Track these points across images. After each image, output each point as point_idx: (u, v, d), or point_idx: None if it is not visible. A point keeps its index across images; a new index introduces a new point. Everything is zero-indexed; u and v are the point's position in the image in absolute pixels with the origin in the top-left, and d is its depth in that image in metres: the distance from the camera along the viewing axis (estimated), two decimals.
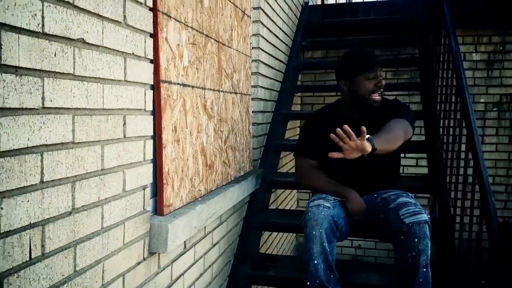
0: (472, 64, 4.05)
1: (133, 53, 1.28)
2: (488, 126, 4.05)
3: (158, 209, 1.52)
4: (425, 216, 1.86)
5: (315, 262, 1.93)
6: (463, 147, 2.31)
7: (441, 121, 2.77)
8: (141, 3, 1.33)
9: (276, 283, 2.35)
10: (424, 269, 1.84)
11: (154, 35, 1.48)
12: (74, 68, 1.03)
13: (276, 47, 3.23)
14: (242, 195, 2.28)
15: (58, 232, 1.00)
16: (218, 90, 2.07)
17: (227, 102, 2.21)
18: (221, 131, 2.10)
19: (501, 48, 3.99)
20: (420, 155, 3.99)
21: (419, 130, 4.04)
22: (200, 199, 1.81)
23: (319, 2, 5.35)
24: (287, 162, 3.82)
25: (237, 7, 2.36)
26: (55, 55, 0.97)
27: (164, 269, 1.54)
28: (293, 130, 4.02)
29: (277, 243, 3.56)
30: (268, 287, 2.54)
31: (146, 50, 1.36)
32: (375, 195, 2.15)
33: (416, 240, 1.82)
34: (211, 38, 1.98)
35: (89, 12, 1.08)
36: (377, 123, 2.05)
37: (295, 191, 4.28)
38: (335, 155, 1.77)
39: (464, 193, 2.16)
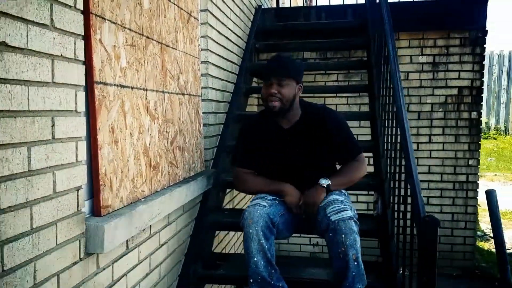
0: (419, 66, 4.21)
1: (61, 55, 1.29)
2: (435, 126, 4.20)
3: (95, 210, 1.53)
4: (349, 213, 1.96)
5: (255, 259, 1.99)
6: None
7: (382, 121, 2.87)
8: (70, 6, 1.34)
9: (227, 281, 2.39)
10: (355, 263, 1.92)
11: (87, 37, 1.49)
12: None
13: (228, 49, 3.27)
14: (191, 195, 2.31)
15: None
16: (163, 91, 2.09)
17: (174, 103, 2.23)
18: (166, 132, 2.12)
19: (445, 51, 4.16)
20: (367, 154, 4.10)
21: (367, 130, 4.19)
22: (143, 199, 1.82)
23: (274, 5, 5.43)
24: None
25: (182, 9, 2.39)
26: None
27: (104, 269, 1.55)
28: None
29: (235, 242, 3.60)
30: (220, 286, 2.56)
31: (77, 52, 1.37)
32: None
33: (343, 236, 1.91)
34: (152, 39, 1.99)
35: (12, 16, 1.09)
36: (301, 133, 2.24)
37: None
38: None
39: (399, 190, 2.23)
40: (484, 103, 13.64)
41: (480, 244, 5.43)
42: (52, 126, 1.25)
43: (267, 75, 2.20)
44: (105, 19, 1.60)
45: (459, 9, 4.14)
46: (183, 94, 2.36)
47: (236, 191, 3.60)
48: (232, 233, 3.49)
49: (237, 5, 3.50)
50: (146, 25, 1.94)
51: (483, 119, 13.86)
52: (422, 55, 4.22)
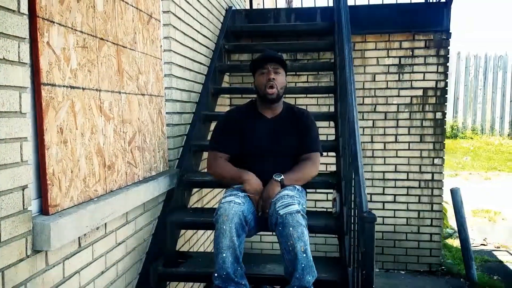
0: (385, 68, 4.31)
1: (4, 58, 1.33)
2: (401, 126, 4.31)
3: (43, 209, 1.57)
4: (296, 207, 2.03)
5: (224, 255, 2.05)
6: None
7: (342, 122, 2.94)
8: (13, 11, 1.37)
9: (187, 279, 2.44)
10: (304, 255, 1.99)
11: (34, 40, 1.52)
12: None
13: (195, 50, 3.31)
14: (151, 194, 2.34)
15: None
16: (119, 92, 2.13)
17: (132, 104, 2.26)
18: (123, 132, 2.16)
19: (410, 53, 4.26)
20: (330, 155, 4.18)
21: (332, 130, 4.26)
22: (95, 199, 1.86)
23: (247, 6, 5.48)
24: None
25: (142, 10, 2.42)
26: None
27: (54, 266, 1.58)
28: None
29: (204, 241, 3.64)
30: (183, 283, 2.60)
31: (21, 55, 1.40)
32: None
33: (291, 229, 1.98)
34: (107, 41, 2.03)
35: None
36: (283, 126, 2.41)
37: (219, 190, 4.37)
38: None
39: (351, 187, 2.31)
40: (461, 103, 14.00)
41: (450, 241, 5.57)
42: None
43: (263, 62, 2.36)
44: (53, 22, 1.63)
45: (424, 12, 4.26)
46: (143, 95, 2.40)
47: (205, 191, 3.65)
48: (201, 232, 3.54)
49: (204, 6, 3.54)
50: (100, 27, 1.98)
51: (460, 119, 14.14)
52: (389, 57, 4.32)
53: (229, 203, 2.11)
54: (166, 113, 2.78)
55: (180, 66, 2.98)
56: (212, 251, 3.39)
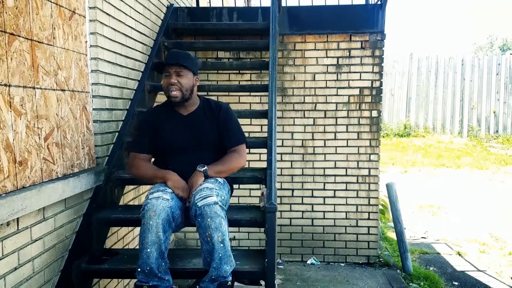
0: (324, 68, 4.42)
1: None
2: (339, 124, 4.44)
3: None
4: (214, 198, 2.08)
5: (148, 250, 2.07)
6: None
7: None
8: None
9: (112, 275, 2.43)
10: (221, 244, 2.04)
11: None
12: None
13: (128, 47, 3.30)
14: (71, 191, 2.33)
15: None
16: (33, 87, 2.10)
17: (49, 99, 2.24)
18: (38, 127, 2.14)
19: (348, 53, 4.39)
20: (262, 151, 4.26)
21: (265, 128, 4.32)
22: (4, 195, 1.83)
23: (194, 4, 5.49)
24: None
25: (62, 6, 2.40)
26: None
27: None
28: None
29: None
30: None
31: None
32: None
33: (209, 220, 2.02)
34: (19, 36, 2.00)
35: None
36: (199, 122, 2.45)
37: None
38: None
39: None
40: (413, 103, 14.48)
41: (390, 234, 5.76)
42: None
43: (165, 66, 2.40)
44: None
45: (360, 14, 4.39)
46: (63, 90, 2.38)
47: (143, 189, 3.64)
48: (137, 230, 3.51)
49: (140, 3, 3.52)
50: (10, 22, 1.95)
51: (412, 118, 14.62)
52: (327, 57, 4.43)
53: (157, 198, 2.13)
54: (93, 109, 2.76)
55: (109, 62, 2.96)
56: (177, 244, 3.38)
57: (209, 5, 5.50)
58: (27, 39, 2.07)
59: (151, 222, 2.07)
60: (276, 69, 2.66)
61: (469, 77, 14.18)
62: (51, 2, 2.29)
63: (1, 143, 1.85)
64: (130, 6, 3.32)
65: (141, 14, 3.57)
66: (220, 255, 2.08)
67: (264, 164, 4.08)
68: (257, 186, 4.14)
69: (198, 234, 2.15)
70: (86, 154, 2.62)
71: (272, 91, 2.45)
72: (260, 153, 4.29)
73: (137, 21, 3.48)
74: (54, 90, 2.29)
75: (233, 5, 4.88)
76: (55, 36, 2.32)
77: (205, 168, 2.30)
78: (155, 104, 3.78)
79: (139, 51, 3.52)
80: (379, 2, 4.40)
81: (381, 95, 4.43)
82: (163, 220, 2.09)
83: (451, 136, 14.42)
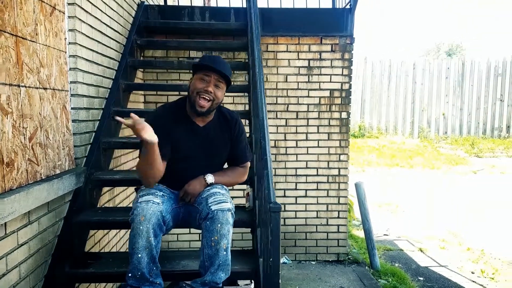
0: (296, 69, 4.49)
1: None
2: (311, 125, 4.52)
3: None
4: (229, 205, 2.08)
5: (139, 255, 2.01)
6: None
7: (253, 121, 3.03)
8: None
9: (97, 279, 2.37)
10: (225, 252, 2.04)
11: None
12: None
13: (104, 44, 3.21)
14: (55, 193, 2.24)
15: None
16: (18, 85, 2.01)
17: (32, 98, 2.15)
18: (23, 127, 2.05)
19: (318, 56, 4.49)
20: None
21: (247, 128, 4.36)
22: None
23: (162, 2, 5.41)
24: (128, 161, 3.82)
25: (44, 1, 2.31)
26: None
27: None
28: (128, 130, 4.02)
29: (117, 242, 3.54)
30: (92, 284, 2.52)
31: None
32: None
33: (219, 225, 2.02)
34: (4, 32, 1.91)
35: None
36: (215, 136, 2.30)
37: (132, 190, 4.29)
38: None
39: (261, 181, 2.40)
40: (367, 105, 14.93)
41: (356, 232, 5.93)
42: None
43: (210, 69, 2.15)
44: None
45: (330, 17, 4.50)
46: (45, 89, 2.29)
47: (117, 191, 3.55)
48: (113, 232, 3.43)
49: (114, 0, 3.44)
50: None
51: (366, 119, 15.08)
52: (299, 59, 4.51)
53: (147, 202, 2.04)
54: (72, 108, 2.67)
55: (86, 59, 2.87)
56: (124, 251, 3.33)
57: (177, 4, 5.44)
58: (12, 35, 1.98)
59: (141, 227, 2.00)
60: (262, 69, 2.67)
61: (420, 80, 14.79)
62: None
63: None
64: (105, 3, 3.23)
65: (115, 11, 3.49)
66: (220, 262, 2.07)
67: None
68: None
69: (202, 236, 2.12)
70: (66, 154, 2.53)
71: (261, 91, 2.47)
72: None
73: (112, 18, 3.40)
74: (37, 88, 2.20)
75: (203, 5, 4.84)
76: (38, 33, 2.23)
77: (213, 180, 2.25)
78: (129, 104, 3.70)
79: (113, 49, 3.44)
80: (348, 7, 4.52)
81: (350, 97, 4.56)
82: (153, 225, 2.01)
83: (403, 137, 14.99)
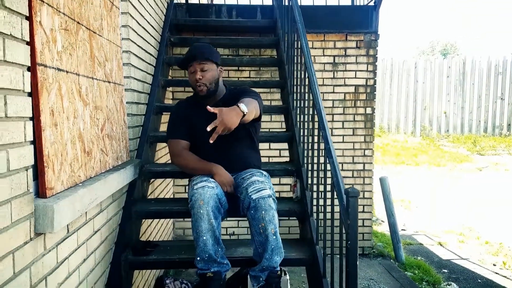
0: (321, 66, 4.58)
1: (11, 34, 1.28)
2: (335, 121, 4.61)
3: (40, 191, 1.52)
4: (268, 191, 2.17)
5: (204, 238, 2.11)
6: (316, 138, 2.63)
7: (297, 115, 3.12)
8: None
9: (158, 266, 2.45)
10: (274, 237, 2.13)
11: (30, 18, 1.47)
12: None
13: (146, 41, 3.29)
14: (122, 183, 2.32)
15: None
16: (92, 78, 2.09)
17: (102, 90, 2.23)
18: (97, 118, 2.12)
19: (343, 52, 4.58)
20: (282, 146, 4.40)
21: (280, 124, 4.45)
22: (80, 184, 1.82)
23: (183, 0, 5.49)
24: (163, 155, 3.90)
25: None
26: None
27: (50, 250, 1.54)
28: (167, 124, 4.11)
29: (156, 234, 3.62)
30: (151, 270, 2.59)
31: (23, 32, 1.36)
32: (238, 175, 2.42)
33: (263, 212, 2.11)
34: (82, 25, 1.99)
35: None
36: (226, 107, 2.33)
37: (171, 184, 4.37)
38: (209, 128, 2.06)
39: (318, 172, 2.48)
40: None
41: (374, 227, 6.03)
42: (5, 105, 1.24)
43: (188, 61, 2.41)
44: (43, 1, 1.58)
45: (355, 14, 4.59)
46: (109, 82, 2.36)
47: (157, 183, 3.63)
48: (153, 224, 3.51)
49: None
50: (77, 10, 1.93)
51: None
52: (324, 55, 4.60)
53: (203, 187, 2.16)
54: (126, 102, 2.75)
55: (136, 56, 2.95)
56: (176, 239, 3.40)
57: (198, 2, 5.52)
58: (87, 28, 2.06)
59: (201, 211, 2.11)
60: (312, 63, 2.76)
61: (421, 79, 14.93)
62: None
63: (76, 132, 1.84)
64: (147, 0, 3.31)
65: (153, 8, 3.57)
66: (273, 246, 2.16)
67: (284, 159, 4.19)
68: (275, 180, 4.24)
69: (250, 226, 2.21)
70: (124, 147, 2.61)
71: (315, 83, 2.57)
72: (280, 149, 4.38)
73: (151, 15, 3.47)
74: (104, 81, 2.27)
75: (235, 3, 4.91)
76: (103, 27, 2.31)
77: (246, 110, 2.13)
78: (165, 100, 3.78)
79: (152, 46, 3.51)
80: (372, 4, 4.62)
81: (374, 92, 4.66)
82: (212, 207, 2.12)
83: (405, 135, 15.12)
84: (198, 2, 5.48)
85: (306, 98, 2.88)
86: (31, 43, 1.48)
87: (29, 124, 1.39)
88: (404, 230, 6.08)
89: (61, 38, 1.73)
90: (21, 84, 1.34)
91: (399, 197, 7.82)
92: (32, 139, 1.41)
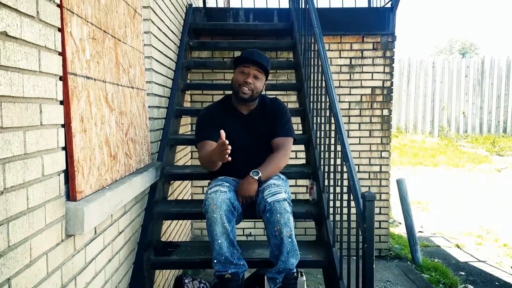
0: (337, 68, 4.60)
1: (45, 46, 1.36)
2: (352, 122, 4.64)
3: (70, 195, 1.60)
4: (283, 195, 2.22)
5: (219, 241, 2.17)
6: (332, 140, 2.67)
7: (314, 118, 3.16)
8: (50, 0, 1.41)
9: (180, 266, 2.52)
10: (289, 239, 2.18)
11: (61, 30, 1.55)
12: None
13: (166, 46, 3.37)
14: (144, 185, 2.39)
15: None
16: (117, 84, 2.17)
17: (126, 96, 2.30)
18: (122, 123, 2.20)
19: (360, 54, 4.60)
20: (298, 148, 4.43)
21: (296, 126, 4.48)
22: (107, 187, 1.90)
23: (200, 4, 5.56)
24: (181, 157, 3.97)
25: (129, 5, 2.46)
26: None
27: (79, 251, 1.62)
28: (185, 127, 4.19)
29: (175, 234, 3.70)
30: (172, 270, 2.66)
31: (56, 43, 1.44)
32: None
33: (278, 215, 2.16)
34: (108, 33, 2.07)
35: (9, 7, 1.16)
36: (258, 121, 2.51)
37: (189, 185, 4.44)
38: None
39: (335, 174, 2.52)
40: None
41: (391, 229, 6.03)
42: (40, 113, 1.32)
43: (248, 61, 2.40)
44: (73, 13, 1.66)
45: (372, 16, 4.61)
46: (132, 88, 2.44)
47: (176, 185, 3.71)
48: (172, 225, 3.59)
49: (171, 2, 3.60)
50: (103, 20, 2.01)
51: None
52: (340, 57, 4.62)
53: (215, 192, 2.22)
54: (148, 106, 2.82)
55: (157, 61, 3.03)
56: (194, 239, 3.48)
57: (215, 6, 5.59)
58: (112, 36, 2.13)
59: (215, 215, 2.17)
60: (328, 66, 2.81)
61: (439, 79, 14.79)
62: (123, 0, 2.35)
63: (103, 137, 1.92)
64: (166, 6, 3.39)
65: (172, 13, 3.64)
66: (288, 249, 2.21)
67: (300, 161, 4.24)
68: (292, 182, 4.28)
69: (266, 228, 2.27)
70: (146, 150, 2.69)
71: (332, 87, 2.61)
72: (296, 151, 4.42)
73: (171, 20, 3.55)
74: (128, 87, 2.35)
75: (252, 6, 4.96)
76: (127, 35, 2.39)
77: (259, 175, 2.33)
78: (184, 103, 3.86)
79: (172, 50, 3.59)
80: (389, 6, 4.63)
81: (391, 94, 4.66)
82: (225, 211, 2.18)
83: (423, 136, 14.98)
84: (216, 6, 5.55)
85: (323, 100, 2.91)
86: (62, 53, 1.55)
87: (61, 131, 1.47)
88: (422, 231, 6.06)
89: (89, 47, 1.81)
90: (54, 93, 1.42)
91: (417, 198, 7.78)
92: (63, 145, 1.49)
